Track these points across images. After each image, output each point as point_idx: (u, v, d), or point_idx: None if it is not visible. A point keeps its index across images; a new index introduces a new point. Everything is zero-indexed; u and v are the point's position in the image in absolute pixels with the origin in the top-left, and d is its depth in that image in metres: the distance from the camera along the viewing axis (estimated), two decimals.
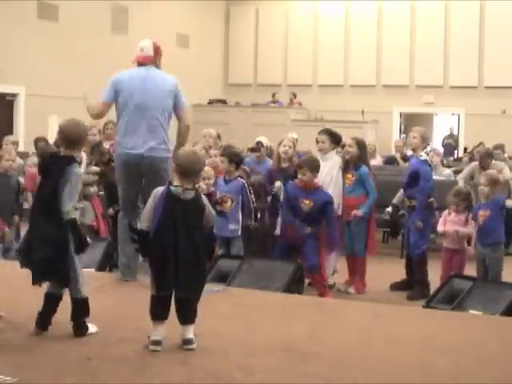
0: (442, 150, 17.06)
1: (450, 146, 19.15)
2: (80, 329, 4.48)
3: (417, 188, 7.26)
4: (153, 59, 6.07)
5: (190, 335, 4.27)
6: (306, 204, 6.76)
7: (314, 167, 6.82)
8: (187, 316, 4.28)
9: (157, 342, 4.23)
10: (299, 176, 6.84)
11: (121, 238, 6.16)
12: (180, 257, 4.22)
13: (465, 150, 17.43)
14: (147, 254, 4.40)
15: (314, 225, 6.74)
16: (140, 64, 6.06)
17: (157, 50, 6.12)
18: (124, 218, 6.13)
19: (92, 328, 4.53)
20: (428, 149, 10.01)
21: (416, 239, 7.33)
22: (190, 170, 4.33)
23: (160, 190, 4.37)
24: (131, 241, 4.57)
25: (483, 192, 6.89)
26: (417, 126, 7.90)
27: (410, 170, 7.44)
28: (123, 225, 6.05)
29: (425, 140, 7.51)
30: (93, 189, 8.05)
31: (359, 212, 7.29)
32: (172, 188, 4.30)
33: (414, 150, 7.55)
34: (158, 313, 4.27)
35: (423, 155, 7.45)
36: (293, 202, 6.83)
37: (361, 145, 7.53)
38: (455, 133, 19.38)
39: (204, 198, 4.41)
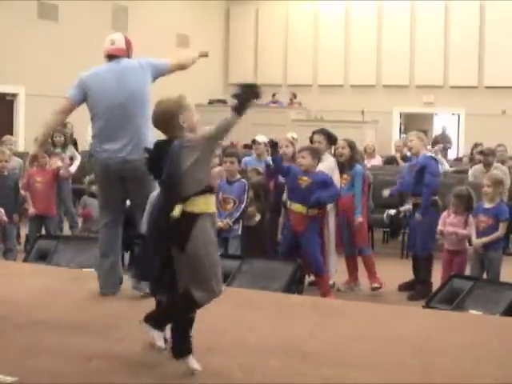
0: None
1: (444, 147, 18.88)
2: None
3: (422, 184, 7.30)
4: (125, 52, 5.57)
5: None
6: (304, 180, 6.78)
7: (315, 154, 6.84)
8: None
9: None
10: (298, 160, 6.87)
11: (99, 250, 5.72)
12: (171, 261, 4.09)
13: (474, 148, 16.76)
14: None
15: (309, 203, 6.69)
16: (111, 57, 5.53)
17: (128, 44, 5.62)
18: (104, 227, 5.63)
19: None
20: (429, 147, 10.10)
21: (422, 239, 7.34)
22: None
23: (156, 192, 4.36)
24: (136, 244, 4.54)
25: (487, 193, 6.89)
26: (412, 131, 8.07)
27: (418, 166, 7.42)
28: (102, 235, 5.63)
29: (422, 140, 7.65)
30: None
31: (359, 218, 7.37)
32: None
33: (416, 152, 7.57)
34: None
35: (429, 152, 7.58)
36: (292, 181, 6.85)
37: (352, 146, 7.61)
38: (447, 133, 19.08)
39: None
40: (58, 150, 10.07)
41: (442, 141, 17.99)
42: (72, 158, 10.15)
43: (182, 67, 5.77)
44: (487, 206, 6.92)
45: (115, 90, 5.38)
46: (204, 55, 6.05)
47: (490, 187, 6.89)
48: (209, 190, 3.85)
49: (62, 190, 9.67)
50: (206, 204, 3.83)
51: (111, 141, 5.39)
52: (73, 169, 9.96)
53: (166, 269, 4.01)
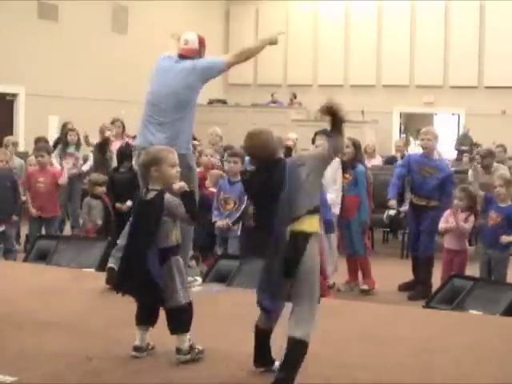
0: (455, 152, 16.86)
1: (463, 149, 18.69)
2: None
3: (442, 191, 7.32)
4: (197, 51, 5.80)
5: (180, 345, 4.08)
6: None
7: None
8: (172, 326, 4.09)
9: (136, 348, 4.15)
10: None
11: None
12: (134, 259, 4.05)
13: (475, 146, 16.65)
14: None
15: None
16: (182, 56, 5.73)
17: (201, 43, 5.89)
18: None
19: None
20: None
21: (426, 240, 7.34)
22: (140, 169, 4.28)
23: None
24: None
25: (499, 193, 6.85)
26: (426, 128, 7.91)
27: (444, 174, 7.41)
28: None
29: (437, 140, 7.65)
30: (101, 188, 8.02)
31: (364, 219, 7.35)
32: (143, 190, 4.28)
33: (428, 152, 7.54)
34: (139, 318, 4.20)
35: (444, 159, 7.56)
36: None
37: (356, 145, 7.57)
38: (470, 134, 18.82)
39: (169, 198, 4.07)
40: (72, 150, 10.02)
41: (466, 142, 17.76)
42: (84, 159, 10.16)
43: (246, 54, 5.73)
44: (501, 205, 6.90)
45: (156, 86, 5.64)
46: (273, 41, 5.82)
47: (502, 187, 6.84)
48: (318, 210, 3.80)
49: (72, 189, 9.67)
50: (316, 224, 3.76)
51: (141, 133, 5.67)
52: (85, 168, 10.01)
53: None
